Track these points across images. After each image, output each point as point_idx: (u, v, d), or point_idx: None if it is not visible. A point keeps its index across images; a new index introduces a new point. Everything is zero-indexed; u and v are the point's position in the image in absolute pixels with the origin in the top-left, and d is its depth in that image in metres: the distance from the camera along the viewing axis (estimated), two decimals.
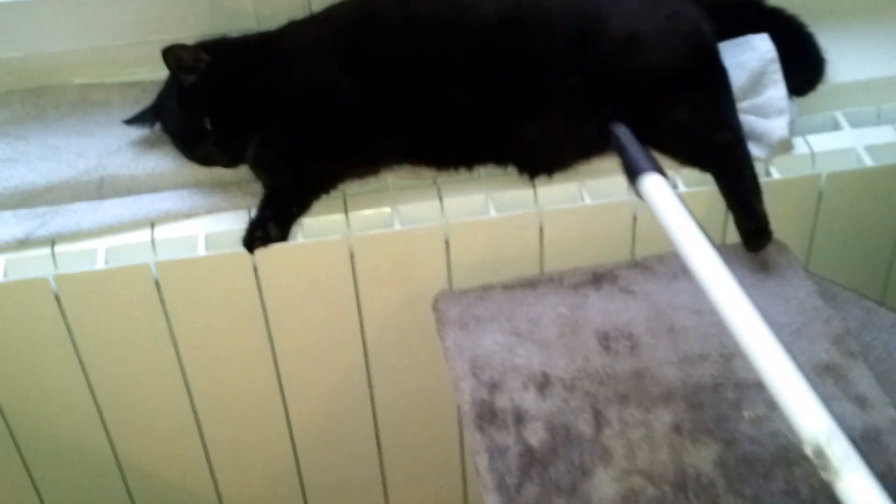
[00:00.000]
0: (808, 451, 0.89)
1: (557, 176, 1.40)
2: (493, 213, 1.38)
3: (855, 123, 1.49)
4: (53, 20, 1.49)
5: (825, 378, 1.21)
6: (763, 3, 1.55)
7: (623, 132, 1.26)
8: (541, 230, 1.39)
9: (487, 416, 1.21)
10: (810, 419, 0.90)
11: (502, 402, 1.22)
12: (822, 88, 1.50)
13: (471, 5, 1.42)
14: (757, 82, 1.45)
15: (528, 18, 1.40)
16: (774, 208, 1.35)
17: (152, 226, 1.37)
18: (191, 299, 1.37)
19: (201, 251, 1.34)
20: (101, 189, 1.40)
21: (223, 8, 1.51)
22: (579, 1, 1.43)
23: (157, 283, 1.34)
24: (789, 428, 0.90)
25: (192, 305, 1.38)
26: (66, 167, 1.41)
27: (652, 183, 1.16)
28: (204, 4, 1.51)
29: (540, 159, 1.41)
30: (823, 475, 0.88)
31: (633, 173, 1.20)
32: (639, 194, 1.18)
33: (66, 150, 1.43)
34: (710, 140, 1.38)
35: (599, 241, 1.41)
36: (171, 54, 1.36)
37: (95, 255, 1.34)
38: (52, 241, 1.35)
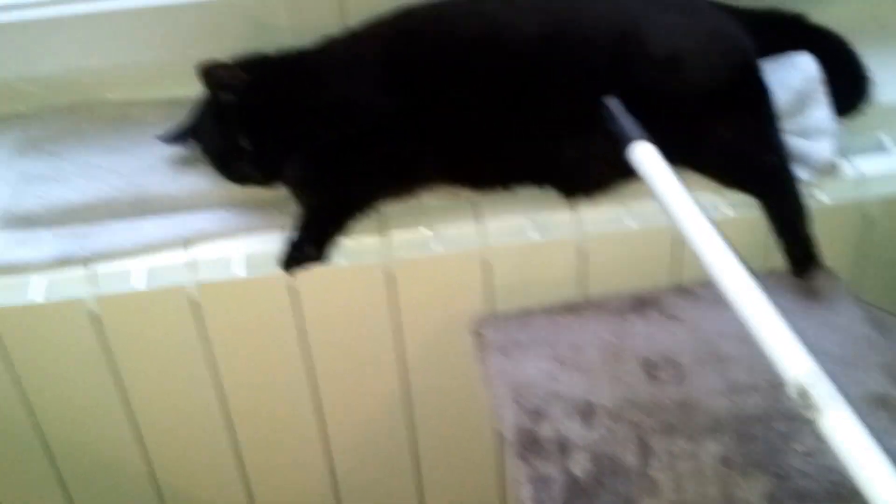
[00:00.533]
0: (793, 392, 0.93)
1: (598, 197, 1.38)
2: (533, 236, 1.37)
3: None
4: (89, 36, 1.48)
5: (878, 411, 1.19)
6: (806, 19, 1.53)
7: (614, 103, 1.26)
8: (583, 253, 1.38)
9: (531, 444, 1.19)
10: (794, 362, 0.94)
11: (546, 430, 1.20)
12: (867, 109, 1.47)
13: (510, 23, 1.40)
14: (801, 102, 1.42)
15: (567, 37, 1.38)
16: (820, 233, 1.33)
17: (191, 246, 1.35)
18: (229, 320, 1.36)
19: (239, 272, 1.33)
20: (137, 208, 1.39)
21: (257, 23, 1.50)
22: (619, 19, 1.41)
23: (197, 305, 1.33)
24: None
25: (231, 327, 1.37)
26: (101, 185, 1.39)
27: (642, 150, 1.18)
28: (238, 20, 1.49)
29: (579, 180, 1.39)
30: (807, 414, 0.92)
31: (624, 142, 1.21)
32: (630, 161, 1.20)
33: (102, 167, 1.42)
34: (755, 162, 1.36)
35: (643, 265, 1.39)
36: (210, 72, 1.34)
37: (130, 275, 1.33)
38: (90, 261, 1.34)
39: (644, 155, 1.18)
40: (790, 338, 0.96)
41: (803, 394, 0.93)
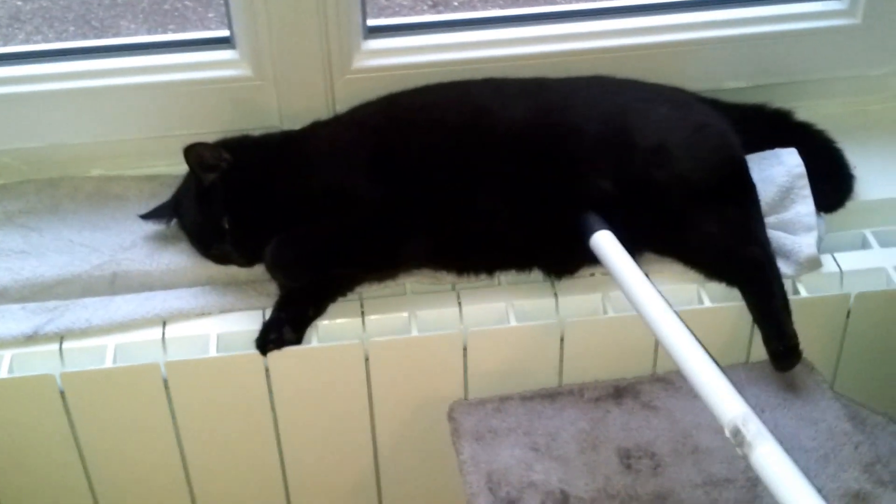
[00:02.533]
0: (727, 432, 1.03)
1: (580, 286, 1.38)
2: (513, 322, 1.36)
3: (884, 242, 1.46)
4: (73, 111, 1.49)
5: None
6: (792, 116, 1.54)
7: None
8: (561, 341, 1.36)
9: None
10: (729, 405, 1.05)
11: None
12: (850, 205, 1.48)
13: (498, 110, 1.40)
14: (785, 197, 1.43)
15: (555, 125, 1.39)
16: (801, 326, 1.32)
17: (164, 324, 1.34)
18: (199, 400, 1.34)
19: (213, 352, 1.32)
20: (114, 285, 1.38)
21: (247, 105, 1.51)
22: (608, 109, 1.42)
23: (165, 383, 1.31)
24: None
25: (201, 407, 1.34)
26: (78, 261, 1.39)
27: (602, 238, 1.29)
28: (227, 101, 1.50)
29: (565, 265, 1.39)
30: (740, 451, 1.02)
31: (587, 232, 1.30)
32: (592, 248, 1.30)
33: (80, 243, 1.42)
34: (739, 255, 1.36)
35: (621, 354, 1.38)
36: (193, 152, 1.34)
37: (104, 352, 1.31)
38: (60, 337, 1.32)
39: (604, 242, 1.28)
40: (726, 385, 1.07)
41: (736, 432, 1.02)
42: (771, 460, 1.00)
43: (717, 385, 1.08)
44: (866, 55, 1.62)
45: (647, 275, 1.24)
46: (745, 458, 1.02)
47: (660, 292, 1.19)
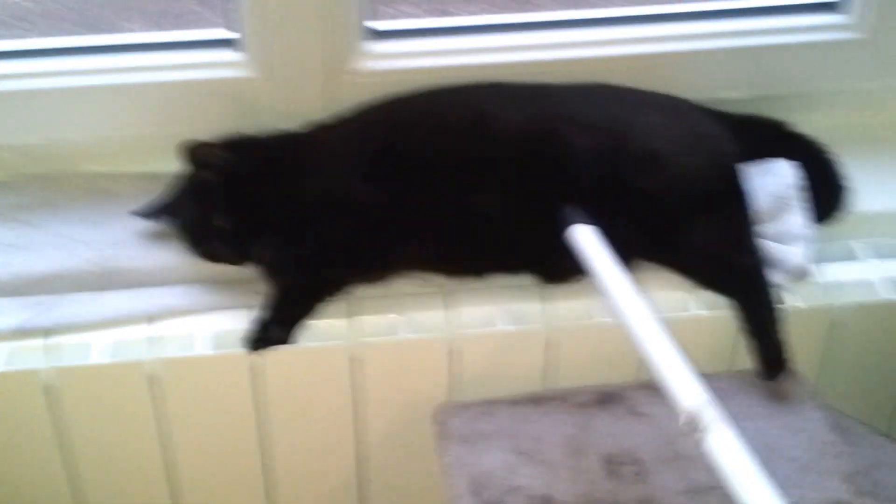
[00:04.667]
0: (683, 419, 1.07)
1: (568, 292, 1.38)
2: (500, 326, 1.36)
3: (875, 255, 1.46)
4: (69, 108, 1.49)
5: None
6: (786, 126, 1.54)
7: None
8: (549, 345, 1.37)
9: None
10: (688, 393, 1.09)
11: None
12: (844, 217, 1.48)
13: (497, 115, 1.40)
14: (778, 208, 1.43)
15: (553, 131, 1.39)
16: (790, 336, 1.32)
17: (152, 321, 1.34)
18: (186, 398, 1.34)
19: (201, 350, 1.32)
20: (104, 280, 1.38)
21: (246, 105, 1.51)
22: (604, 115, 1.42)
23: (152, 380, 1.31)
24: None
25: (188, 405, 1.35)
26: (69, 256, 1.39)
27: (580, 231, 1.30)
28: (223, 99, 1.50)
29: (555, 272, 1.39)
30: (695, 437, 1.06)
31: (564, 224, 1.30)
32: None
33: (72, 238, 1.42)
34: (731, 264, 1.37)
35: (608, 359, 1.38)
36: (193, 149, 1.35)
37: (91, 348, 1.31)
38: (47, 332, 1.32)
39: (581, 235, 1.29)
40: (685, 373, 1.11)
41: (692, 419, 1.06)
42: (725, 447, 1.04)
43: (676, 372, 1.11)
44: (868, 68, 1.61)
45: (629, 275, 1.24)
46: (699, 444, 1.06)
47: (632, 285, 1.22)
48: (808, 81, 1.62)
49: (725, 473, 1.02)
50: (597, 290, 1.24)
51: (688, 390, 1.09)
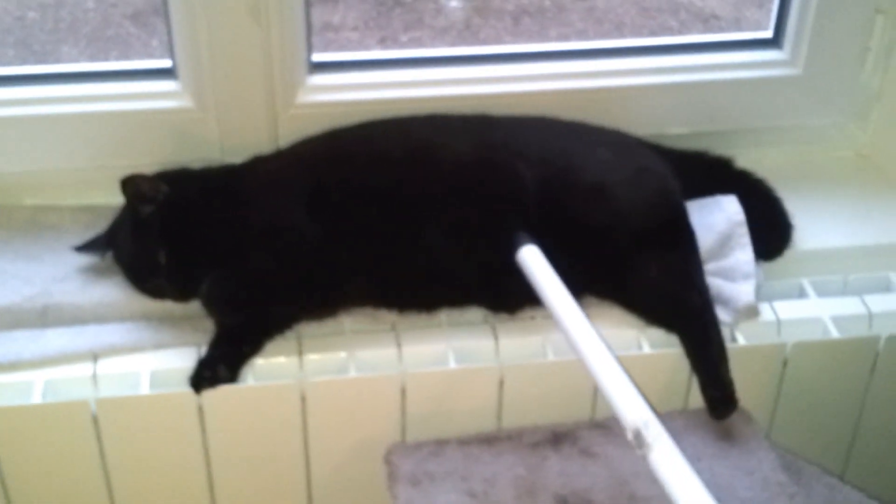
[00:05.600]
0: (629, 435, 1.09)
1: (521, 330, 1.37)
2: (452, 365, 1.34)
3: (821, 292, 1.47)
4: (8, 139, 1.46)
5: None
6: (732, 164, 1.55)
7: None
8: (501, 384, 1.35)
9: None
10: (633, 410, 1.11)
11: None
12: (788, 254, 1.49)
13: (441, 146, 1.40)
14: (724, 244, 1.43)
15: (499, 162, 1.39)
16: (738, 374, 1.32)
17: (95, 359, 1.31)
18: (130, 439, 1.30)
19: (145, 389, 1.29)
20: (45, 317, 1.34)
21: (188, 136, 1.49)
22: (550, 148, 1.43)
23: (95, 420, 1.28)
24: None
25: (132, 445, 1.31)
26: (9, 292, 1.35)
27: (528, 252, 1.30)
28: (168, 132, 1.48)
29: (504, 302, 1.38)
30: (640, 452, 1.08)
31: (513, 247, 1.31)
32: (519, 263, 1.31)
33: (11, 274, 1.38)
34: (678, 301, 1.37)
35: (561, 398, 1.37)
36: (130, 183, 1.32)
37: (32, 387, 1.28)
38: None
39: (530, 257, 1.30)
40: (631, 390, 1.13)
41: (637, 435, 1.09)
42: (668, 461, 1.06)
43: (622, 389, 1.13)
44: (807, 105, 1.63)
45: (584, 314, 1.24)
46: (644, 458, 1.08)
47: (578, 307, 1.24)
48: (747, 117, 1.64)
49: (669, 487, 1.05)
50: (547, 312, 1.26)
51: (633, 406, 1.11)
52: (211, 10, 1.40)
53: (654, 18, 2.02)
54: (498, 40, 1.97)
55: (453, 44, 1.97)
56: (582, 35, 1.98)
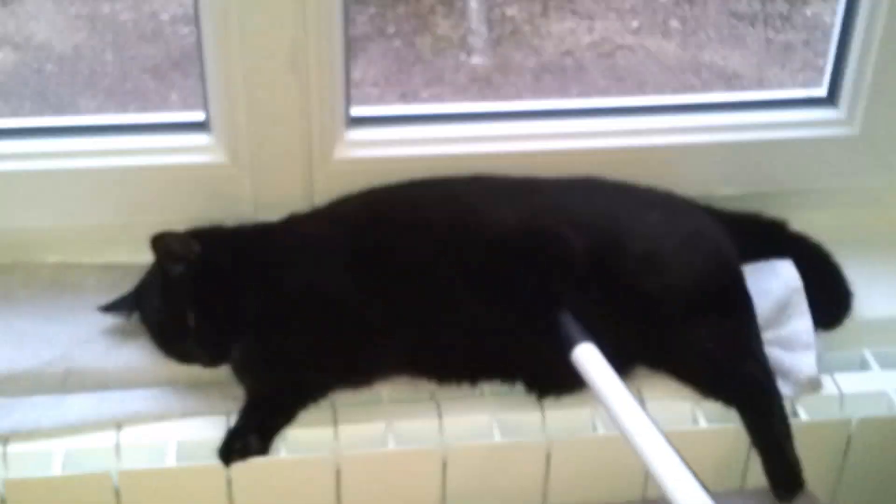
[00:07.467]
0: None
1: (569, 400, 1.31)
2: (497, 438, 1.29)
3: (885, 364, 1.41)
4: (32, 193, 1.43)
5: None
6: (787, 227, 1.50)
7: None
8: (548, 459, 1.30)
9: None
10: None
11: None
12: (848, 323, 1.43)
13: (485, 211, 1.37)
14: (781, 312, 1.38)
15: (546, 230, 1.35)
16: (800, 451, 1.27)
17: (119, 428, 1.26)
18: None
19: (171, 461, 1.24)
20: (66, 382, 1.30)
21: (219, 192, 1.45)
22: (600, 214, 1.39)
23: (118, 494, 1.23)
24: None
25: None
26: (29, 355, 1.31)
27: (586, 352, 1.22)
28: (199, 188, 1.44)
29: (551, 379, 1.32)
30: None
31: (568, 345, 1.23)
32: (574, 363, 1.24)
33: (32, 335, 1.34)
34: (736, 371, 1.31)
35: (611, 475, 1.31)
36: (160, 241, 1.28)
37: (52, 458, 1.23)
38: (3, 439, 1.24)
39: (587, 357, 1.22)
40: (695, 487, 1.05)
41: None
42: None
43: (685, 486, 1.05)
44: (863, 166, 1.58)
45: (636, 392, 1.20)
46: None
47: (646, 412, 1.14)
48: (800, 178, 1.59)
49: None
50: (601, 407, 1.19)
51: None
52: (248, 60, 1.36)
53: (677, 77, 1.99)
54: (518, 97, 1.94)
55: (474, 100, 1.95)
56: (604, 93, 1.96)
